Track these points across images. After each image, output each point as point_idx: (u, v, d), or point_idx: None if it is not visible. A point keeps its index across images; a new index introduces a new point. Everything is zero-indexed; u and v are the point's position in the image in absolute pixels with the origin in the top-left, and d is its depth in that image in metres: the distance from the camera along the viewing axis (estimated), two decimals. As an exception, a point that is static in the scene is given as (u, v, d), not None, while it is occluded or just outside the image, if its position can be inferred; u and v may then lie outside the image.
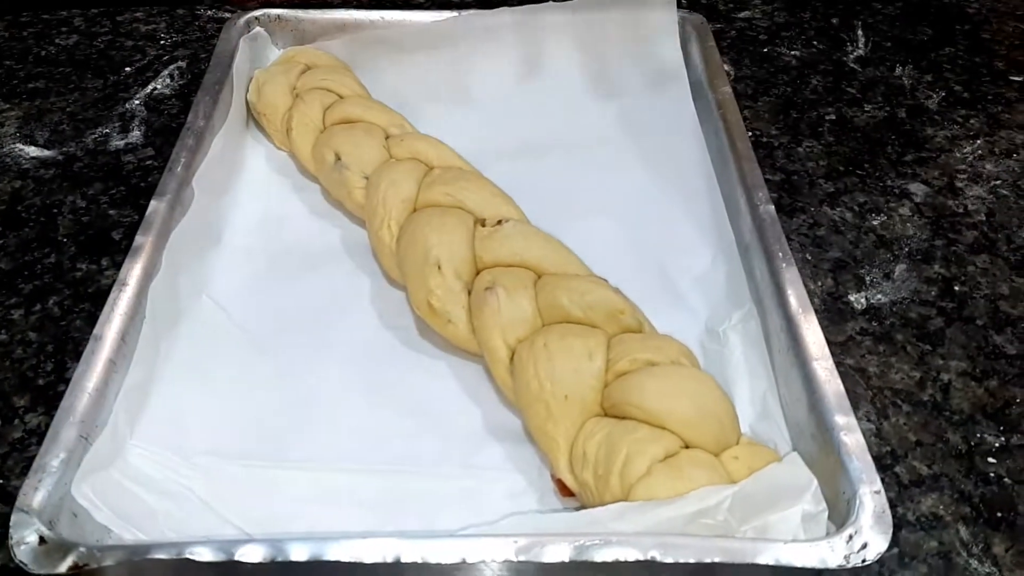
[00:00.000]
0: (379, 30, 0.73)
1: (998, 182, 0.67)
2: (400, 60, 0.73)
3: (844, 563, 0.39)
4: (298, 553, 0.40)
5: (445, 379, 0.53)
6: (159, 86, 0.76)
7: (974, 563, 0.45)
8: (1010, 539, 0.46)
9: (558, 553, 0.39)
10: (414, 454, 0.49)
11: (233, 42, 0.71)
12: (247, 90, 0.69)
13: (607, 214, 0.63)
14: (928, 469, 0.49)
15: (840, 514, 0.42)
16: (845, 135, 0.72)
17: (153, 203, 0.57)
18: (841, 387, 0.46)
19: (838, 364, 0.50)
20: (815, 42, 0.82)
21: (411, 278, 0.55)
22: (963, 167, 0.69)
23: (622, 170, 0.66)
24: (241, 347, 0.54)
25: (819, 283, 0.59)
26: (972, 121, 0.73)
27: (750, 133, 0.66)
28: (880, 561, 0.40)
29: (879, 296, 0.59)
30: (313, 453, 0.49)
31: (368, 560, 0.40)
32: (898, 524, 0.45)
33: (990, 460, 0.50)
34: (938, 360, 0.55)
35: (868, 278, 0.60)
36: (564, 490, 0.46)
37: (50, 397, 0.52)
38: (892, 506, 0.44)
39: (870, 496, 0.41)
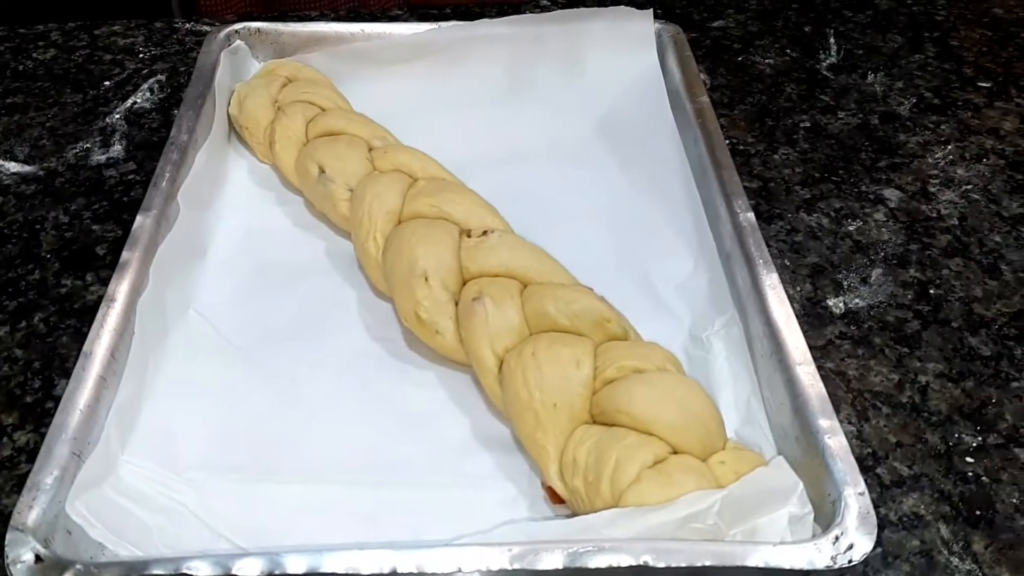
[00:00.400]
0: (359, 42, 0.74)
1: (969, 187, 0.69)
2: (381, 72, 0.73)
3: (831, 564, 0.40)
4: (295, 565, 0.40)
5: (434, 389, 0.54)
6: (139, 100, 0.76)
7: (955, 560, 0.46)
8: (989, 536, 0.47)
9: (552, 560, 0.40)
10: (405, 464, 0.49)
11: (214, 56, 0.71)
12: (229, 104, 0.69)
13: (590, 222, 0.64)
14: (909, 470, 0.50)
15: (826, 516, 0.43)
16: (820, 142, 0.73)
17: (139, 218, 0.57)
18: (823, 391, 0.47)
19: (819, 368, 0.51)
20: (788, 50, 0.83)
21: (398, 290, 0.56)
22: (935, 172, 0.70)
23: (603, 179, 0.67)
24: (230, 361, 0.54)
25: (798, 288, 0.61)
26: (943, 127, 0.75)
27: (727, 141, 0.67)
28: (865, 561, 0.41)
29: (857, 300, 0.60)
30: (304, 465, 0.49)
31: (365, 571, 0.40)
32: (881, 524, 0.46)
33: (968, 460, 0.51)
34: (915, 362, 0.56)
35: (846, 283, 0.61)
36: (555, 497, 0.47)
37: (39, 414, 0.52)
38: (875, 507, 0.45)
39: (855, 498, 0.42)
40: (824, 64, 0.81)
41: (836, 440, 0.45)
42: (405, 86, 0.73)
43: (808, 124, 0.75)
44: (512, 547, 0.41)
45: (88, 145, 0.71)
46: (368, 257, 0.58)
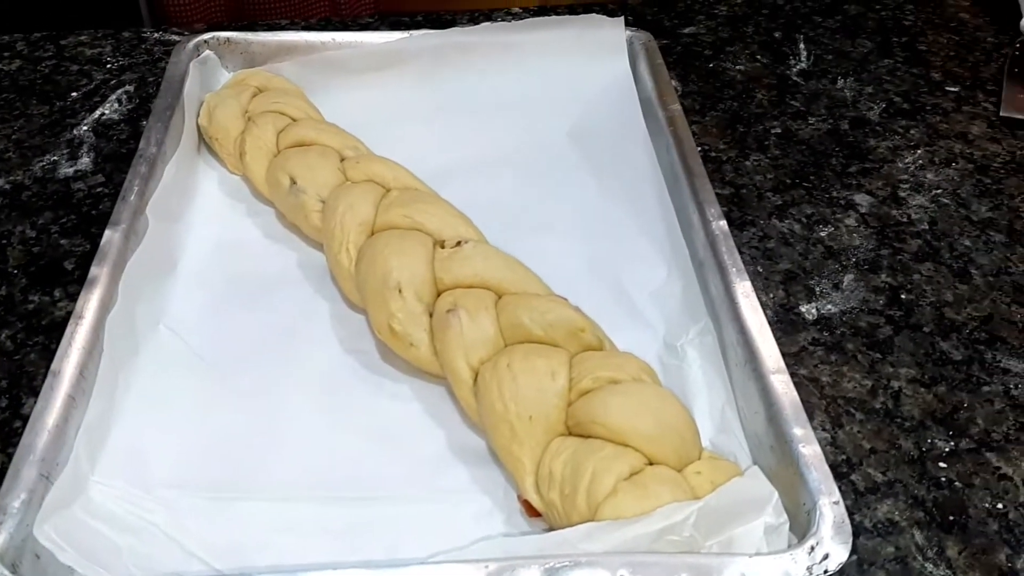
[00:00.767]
0: (330, 52, 0.73)
1: (939, 191, 0.69)
2: (352, 81, 0.73)
3: (807, 574, 0.40)
4: (269, 585, 0.40)
5: (408, 402, 0.53)
6: (107, 111, 0.75)
7: (929, 566, 0.47)
8: (963, 542, 0.48)
9: None
10: (379, 479, 0.49)
11: (182, 66, 0.70)
12: (198, 114, 0.69)
13: (563, 231, 0.64)
14: (883, 476, 0.51)
15: (801, 525, 0.43)
16: (791, 148, 0.73)
17: (107, 233, 0.56)
18: (797, 399, 0.47)
19: (792, 375, 0.51)
20: (759, 56, 0.83)
21: (372, 302, 0.55)
22: (905, 177, 0.71)
23: (576, 187, 0.67)
24: (201, 376, 0.54)
25: (771, 295, 0.61)
26: (912, 132, 0.75)
27: (699, 148, 0.67)
28: (840, 569, 0.41)
29: (829, 306, 0.60)
30: (277, 482, 0.48)
31: (339, 590, 0.40)
32: (856, 531, 0.46)
33: (941, 465, 0.51)
34: (888, 368, 0.56)
35: (818, 289, 0.61)
36: (531, 510, 0.46)
37: (6, 434, 0.51)
38: (849, 514, 0.45)
39: (829, 507, 0.42)
40: (794, 70, 0.82)
41: (810, 448, 0.45)
42: (377, 95, 0.73)
43: (779, 130, 0.75)
44: (488, 564, 0.40)
45: (55, 158, 0.71)
46: (341, 269, 0.58)
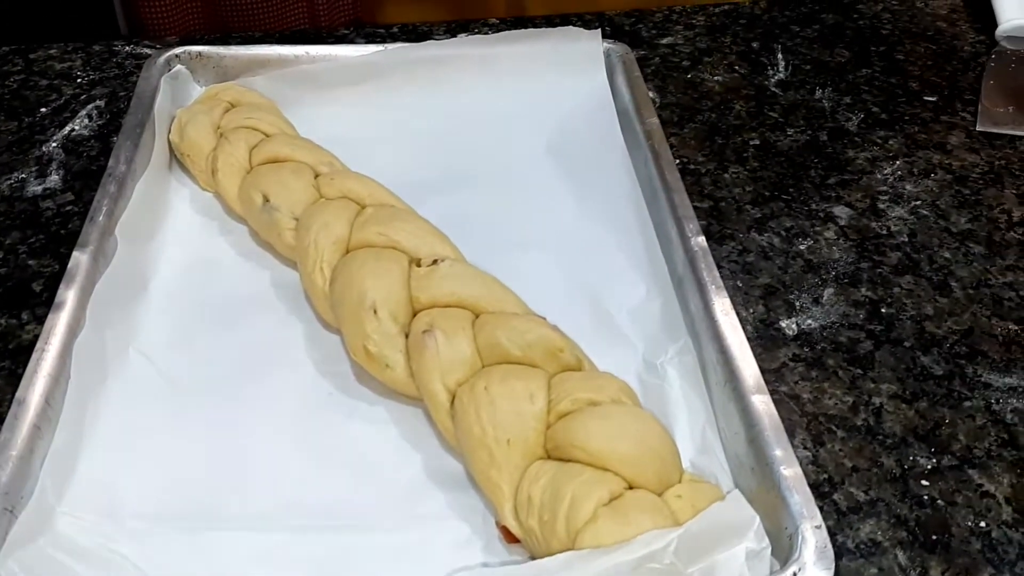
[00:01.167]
0: (304, 65, 0.72)
1: (918, 202, 0.69)
2: (326, 96, 0.72)
3: (789, 601, 0.40)
4: (241, 621, 0.39)
5: (385, 425, 0.52)
6: (77, 127, 0.74)
7: (913, 587, 0.46)
8: (946, 561, 0.47)
9: (507, 607, 0.39)
10: (355, 507, 0.48)
11: (153, 81, 0.69)
12: (169, 130, 0.68)
13: (540, 246, 0.63)
14: (865, 495, 0.50)
15: (783, 549, 0.43)
16: (769, 160, 0.73)
17: (75, 255, 0.55)
18: (779, 421, 0.47)
19: (772, 392, 0.50)
20: (737, 67, 0.83)
21: (346, 323, 0.54)
22: (884, 188, 0.70)
23: (553, 202, 0.66)
24: (171, 402, 0.53)
25: (751, 310, 0.60)
26: (891, 142, 0.75)
27: (677, 161, 0.67)
28: (824, 593, 0.41)
29: (809, 321, 0.60)
30: (250, 511, 0.47)
31: (313, 625, 0.39)
32: (839, 552, 0.46)
33: (923, 483, 0.51)
34: (869, 384, 0.56)
35: (798, 303, 0.61)
36: (509, 537, 0.46)
37: (-29, 463, 0.50)
38: (832, 534, 0.44)
39: (811, 531, 0.42)
40: (772, 80, 0.81)
41: (792, 471, 0.45)
42: (352, 109, 0.72)
43: (758, 142, 0.75)
44: (466, 595, 0.40)
45: (24, 175, 0.69)
46: (315, 289, 0.57)
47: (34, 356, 0.49)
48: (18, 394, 0.47)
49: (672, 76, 0.82)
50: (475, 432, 0.47)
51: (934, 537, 0.48)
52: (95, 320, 0.52)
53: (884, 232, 0.67)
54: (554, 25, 0.85)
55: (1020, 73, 0.81)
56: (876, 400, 0.55)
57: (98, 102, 0.76)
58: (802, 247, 0.65)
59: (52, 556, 0.43)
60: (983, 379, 0.56)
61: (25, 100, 0.77)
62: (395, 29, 0.84)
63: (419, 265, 0.55)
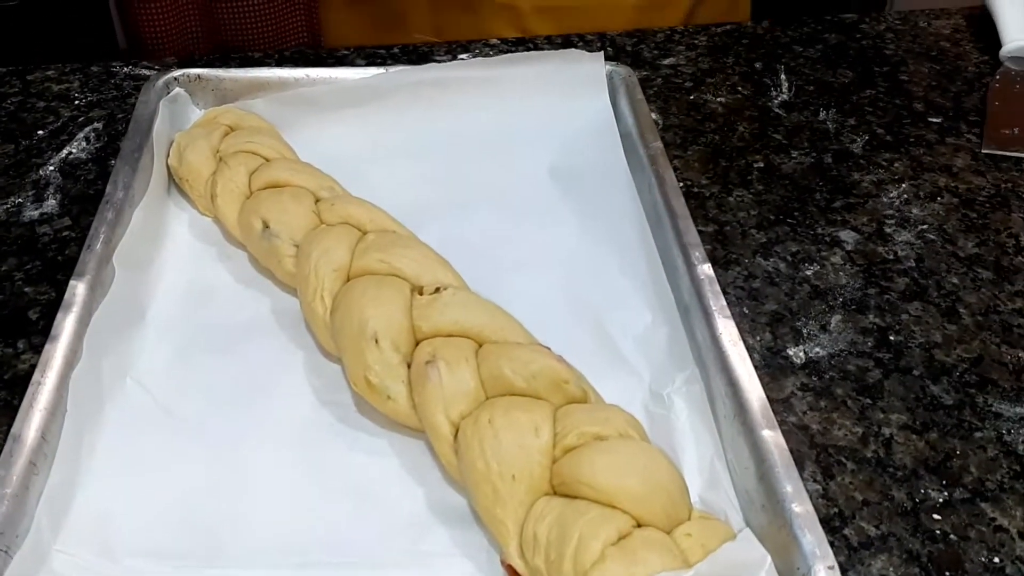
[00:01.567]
0: (304, 88, 0.72)
1: (925, 226, 0.69)
2: (327, 119, 0.71)
3: (803, 645, 0.39)
4: (240, 667, 0.38)
5: (387, 457, 0.52)
6: (74, 150, 0.73)
7: (926, 626, 0.45)
8: (959, 598, 0.46)
9: (514, 652, 0.38)
10: (356, 542, 0.47)
11: (152, 104, 0.68)
12: (168, 154, 0.67)
13: (544, 272, 0.62)
14: (876, 529, 0.49)
15: (795, 589, 0.42)
16: (774, 183, 0.72)
17: (72, 283, 0.54)
18: (789, 456, 0.46)
19: (781, 422, 0.50)
20: (740, 88, 0.82)
21: (347, 352, 0.53)
22: (890, 212, 0.70)
23: (556, 226, 0.66)
24: (169, 434, 0.52)
25: (757, 338, 0.59)
26: (896, 165, 0.74)
27: (681, 184, 0.66)
28: (837, 636, 0.40)
29: (817, 349, 0.59)
30: (249, 548, 0.46)
31: (315, 671, 0.38)
32: (850, 590, 0.45)
33: (935, 516, 0.50)
34: (879, 414, 0.55)
35: (805, 331, 0.60)
36: (515, 576, 0.45)
37: (-35, 498, 0.49)
38: (843, 570, 0.44)
39: (824, 572, 0.41)
40: (776, 101, 0.81)
41: (803, 508, 0.44)
42: (353, 132, 0.71)
43: (762, 164, 0.74)
44: (471, 639, 0.39)
45: (20, 200, 0.68)
46: (315, 317, 0.56)
47: (30, 390, 0.48)
48: (13, 429, 0.46)
49: (674, 97, 0.81)
50: (479, 467, 0.46)
51: (947, 573, 0.47)
52: (92, 351, 0.51)
53: (891, 257, 0.66)
54: (556, 46, 0.84)
55: (1025, 94, 0.81)
56: (886, 431, 0.54)
57: (96, 124, 0.76)
58: (808, 272, 0.64)
59: (47, 597, 0.42)
60: (994, 409, 0.56)
61: (22, 122, 0.76)
62: (396, 50, 0.84)
63: (421, 293, 0.55)
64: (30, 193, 0.69)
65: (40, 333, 0.58)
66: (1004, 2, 0.87)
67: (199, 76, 0.72)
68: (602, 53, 0.72)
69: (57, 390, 0.49)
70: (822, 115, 0.79)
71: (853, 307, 0.62)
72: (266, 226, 0.60)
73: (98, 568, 0.45)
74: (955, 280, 0.64)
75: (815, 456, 0.53)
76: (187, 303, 0.59)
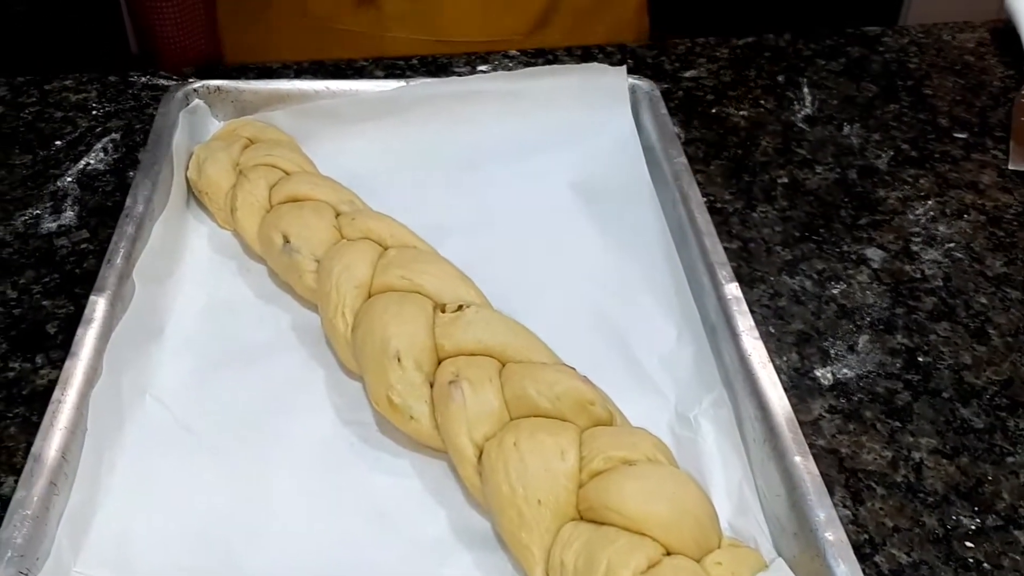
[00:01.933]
0: (324, 100, 0.71)
1: (951, 244, 0.68)
2: (347, 131, 0.70)
3: None
4: None
5: (409, 478, 0.51)
6: (92, 161, 0.73)
7: (961, 658, 0.44)
8: (994, 630, 0.45)
9: None
10: (378, 565, 0.46)
11: (171, 116, 0.68)
12: (187, 167, 0.66)
13: (565, 289, 0.61)
14: (907, 557, 0.48)
15: (829, 621, 0.41)
16: (798, 199, 0.71)
17: (92, 299, 0.54)
18: (822, 483, 0.45)
19: (810, 446, 0.49)
20: (762, 101, 0.82)
21: (369, 371, 0.53)
22: (917, 230, 0.69)
23: (579, 242, 0.65)
24: (188, 451, 0.51)
25: (784, 358, 0.59)
26: (922, 181, 0.73)
27: (704, 199, 0.65)
28: (872, 670, 0.39)
29: (845, 370, 0.58)
30: (269, 569, 0.46)
31: None
32: (883, 620, 0.44)
33: (967, 544, 0.49)
34: (908, 437, 0.54)
35: (832, 351, 0.59)
36: (541, 603, 0.44)
37: (-17, 517, 0.48)
38: (875, 601, 0.43)
39: (860, 604, 0.40)
40: (799, 115, 0.80)
41: (837, 535, 0.43)
42: (373, 145, 0.70)
43: (786, 180, 0.73)
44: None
45: (38, 212, 0.68)
46: (336, 334, 0.56)
47: (50, 408, 0.48)
48: (34, 449, 0.46)
49: (696, 111, 0.80)
50: (504, 491, 0.46)
51: (981, 604, 0.46)
52: (112, 367, 0.51)
53: (918, 276, 0.65)
54: (576, 57, 0.84)
55: (1052, 110, 0.80)
56: (916, 455, 0.53)
57: (114, 135, 0.75)
58: (835, 291, 0.63)
59: (67, 621, 0.42)
60: (1026, 433, 0.55)
61: (40, 133, 0.75)
62: (414, 61, 0.83)
63: (443, 311, 0.54)
64: (48, 205, 0.68)
65: (58, 347, 0.57)
66: (1029, 16, 0.86)
67: (219, 88, 0.71)
68: (624, 67, 0.71)
69: (77, 408, 0.48)
70: (846, 130, 0.79)
71: (881, 327, 0.61)
72: (287, 241, 0.60)
73: (117, 590, 0.44)
74: (983, 300, 0.63)
75: (844, 480, 0.52)
76: (206, 318, 0.59)
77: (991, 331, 0.61)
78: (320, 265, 0.58)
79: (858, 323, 0.61)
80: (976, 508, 0.51)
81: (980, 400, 0.57)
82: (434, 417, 0.50)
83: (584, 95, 0.70)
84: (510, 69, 0.81)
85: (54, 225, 0.67)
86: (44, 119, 0.77)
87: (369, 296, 0.56)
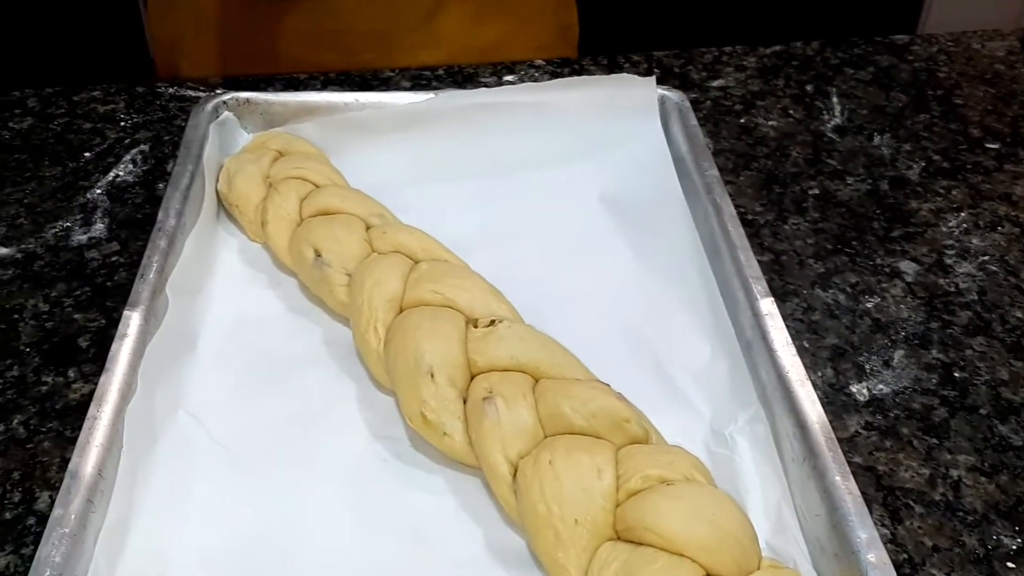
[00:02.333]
0: (353, 112, 0.71)
1: (986, 257, 0.67)
2: (376, 142, 0.70)
3: None
4: None
5: (442, 496, 0.50)
6: (121, 173, 0.73)
7: None
8: (1038, 653, 0.45)
9: None
10: (415, 585, 0.46)
11: (201, 129, 0.68)
12: (217, 179, 0.66)
13: (597, 303, 0.61)
14: (948, 578, 0.48)
15: (873, 645, 0.40)
16: (830, 210, 0.71)
17: (126, 313, 0.54)
18: (863, 504, 0.44)
19: (847, 463, 0.48)
20: (791, 111, 0.81)
21: (402, 387, 0.53)
22: (950, 242, 0.68)
23: (610, 255, 0.64)
24: (222, 468, 0.51)
25: (819, 373, 0.58)
26: (954, 192, 0.73)
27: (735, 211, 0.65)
28: None
29: (881, 386, 0.57)
30: (303, 587, 0.46)
31: None
32: (925, 643, 0.44)
33: (1009, 565, 0.48)
34: (946, 455, 0.54)
35: (868, 366, 0.59)
36: (579, 624, 0.43)
37: (19, 533, 0.48)
38: (917, 622, 0.42)
39: (905, 629, 0.40)
40: (829, 125, 0.79)
41: (879, 557, 0.42)
42: (402, 157, 0.70)
43: (817, 191, 0.72)
44: None
45: (68, 224, 0.68)
46: (369, 349, 0.55)
47: (86, 425, 0.48)
48: (71, 466, 0.46)
49: (725, 120, 0.80)
50: (540, 510, 0.45)
51: (1025, 626, 0.46)
52: (146, 383, 0.51)
53: (952, 289, 0.64)
54: (602, 66, 0.83)
55: (1085, 120, 0.79)
56: (954, 473, 0.53)
57: (142, 146, 0.75)
58: (869, 305, 0.63)
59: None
60: (1066, 451, 0.54)
61: (69, 144, 0.76)
62: (440, 72, 0.83)
63: (476, 326, 0.54)
64: (78, 217, 0.69)
65: (90, 361, 0.58)
66: (1062, 24, 0.85)
67: (248, 100, 0.71)
68: (654, 78, 0.71)
69: (113, 424, 0.48)
70: (876, 140, 0.78)
71: (916, 342, 0.60)
72: (318, 255, 0.59)
73: (153, 609, 0.44)
74: (1019, 314, 0.62)
75: (882, 499, 0.51)
76: (238, 332, 0.59)
77: (1028, 346, 0.60)
78: (351, 279, 0.58)
79: (893, 338, 0.61)
80: (1017, 528, 0.50)
81: (1018, 417, 0.56)
82: (468, 434, 0.50)
83: (613, 106, 0.70)
84: (537, 80, 0.81)
85: (84, 237, 0.67)
86: (73, 130, 0.77)
87: (401, 310, 0.56)
